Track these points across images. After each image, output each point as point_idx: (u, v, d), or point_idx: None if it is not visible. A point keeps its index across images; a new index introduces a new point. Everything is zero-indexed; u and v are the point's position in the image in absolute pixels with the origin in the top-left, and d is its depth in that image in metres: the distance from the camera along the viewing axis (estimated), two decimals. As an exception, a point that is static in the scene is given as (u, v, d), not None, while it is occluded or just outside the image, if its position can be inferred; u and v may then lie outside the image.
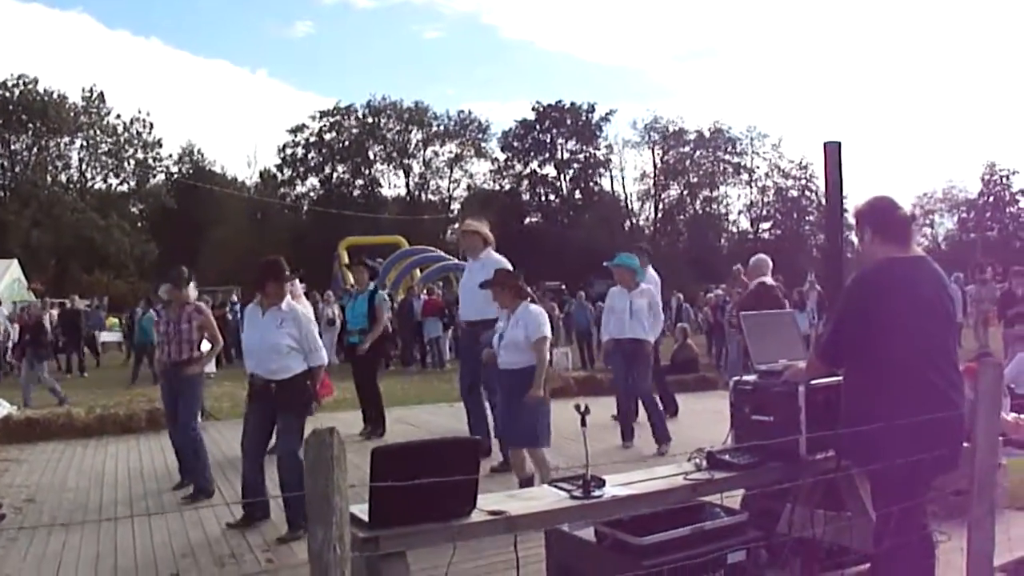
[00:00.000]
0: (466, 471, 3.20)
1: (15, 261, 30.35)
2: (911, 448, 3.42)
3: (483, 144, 63.10)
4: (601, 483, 3.65)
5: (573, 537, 3.75)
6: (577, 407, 3.70)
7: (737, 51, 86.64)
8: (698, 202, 61.39)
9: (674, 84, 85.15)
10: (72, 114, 52.68)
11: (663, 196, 61.58)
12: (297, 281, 11.88)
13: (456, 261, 29.08)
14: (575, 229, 54.75)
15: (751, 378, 4.35)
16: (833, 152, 5.44)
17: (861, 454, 3.66)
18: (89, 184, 55.20)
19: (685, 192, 60.91)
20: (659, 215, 61.82)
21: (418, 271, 29.89)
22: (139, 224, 56.33)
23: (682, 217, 61.66)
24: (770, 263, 9.83)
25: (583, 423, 3.65)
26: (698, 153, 60.02)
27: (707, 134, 59.23)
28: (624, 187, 62.57)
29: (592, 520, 3.70)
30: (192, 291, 7.54)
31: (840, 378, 3.90)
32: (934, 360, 3.60)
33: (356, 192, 60.95)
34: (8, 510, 6.78)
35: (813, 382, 4.03)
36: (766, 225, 60.69)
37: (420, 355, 20.62)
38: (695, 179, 60.32)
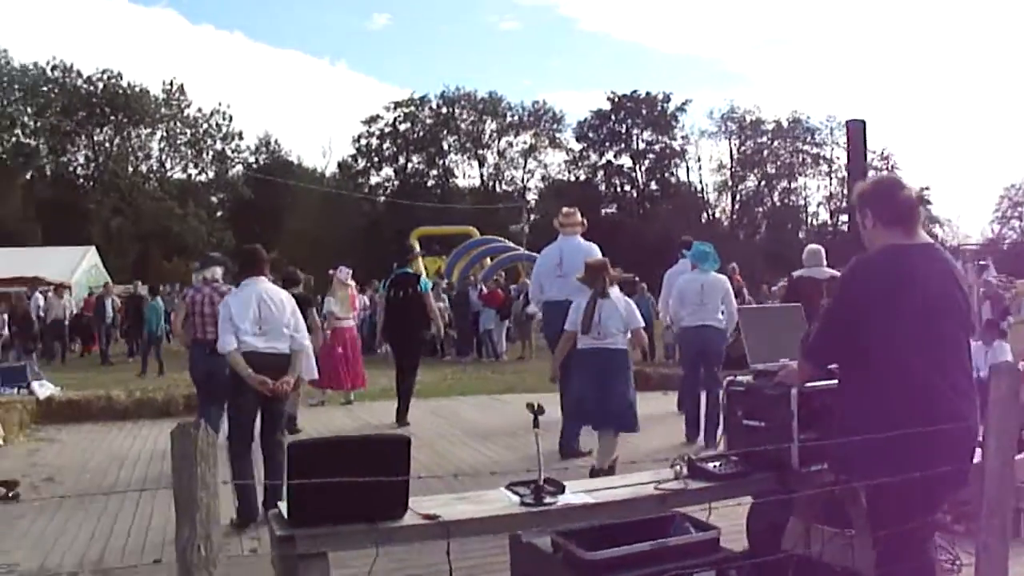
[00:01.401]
0: (394, 471, 2.96)
1: (93, 248, 30.98)
2: (909, 464, 2.97)
3: (557, 134, 62.58)
4: (559, 489, 3.34)
5: (532, 546, 3.44)
6: (529, 405, 3.39)
7: (815, 38, 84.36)
8: (776, 194, 59.90)
9: (751, 73, 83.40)
10: (153, 106, 53.64)
11: (740, 187, 60.31)
12: (343, 268, 11.96)
13: (525, 251, 28.93)
14: (651, 220, 53.89)
15: (745, 378, 3.96)
16: (856, 132, 5.02)
17: (851, 468, 3.23)
18: (168, 174, 56.18)
19: (762, 183, 59.49)
20: (736, 207, 60.55)
21: (489, 260, 29.83)
22: (219, 213, 57.26)
23: (760, 209, 60.27)
24: (821, 255, 9.13)
25: (535, 424, 3.34)
26: (776, 143, 58.48)
27: (785, 124, 57.63)
28: (701, 178, 61.47)
29: (550, 529, 3.38)
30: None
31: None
32: (940, 363, 3.11)
33: (430, 182, 60.96)
34: (25, 489, 6.80)
35: (809, 385, 3.61)
36: (845, 217, 58.78)
37: (476, 346, 20.42)
38: (773, 170, 58.83)
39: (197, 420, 5.59)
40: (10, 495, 6.57)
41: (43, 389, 10.65)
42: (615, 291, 6.73)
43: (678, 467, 3.65)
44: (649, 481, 3.51)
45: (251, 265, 6.27)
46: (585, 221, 8.38)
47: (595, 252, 7.84)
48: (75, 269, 26.89)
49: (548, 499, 3.23)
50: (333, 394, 11.52)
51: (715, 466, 3.62)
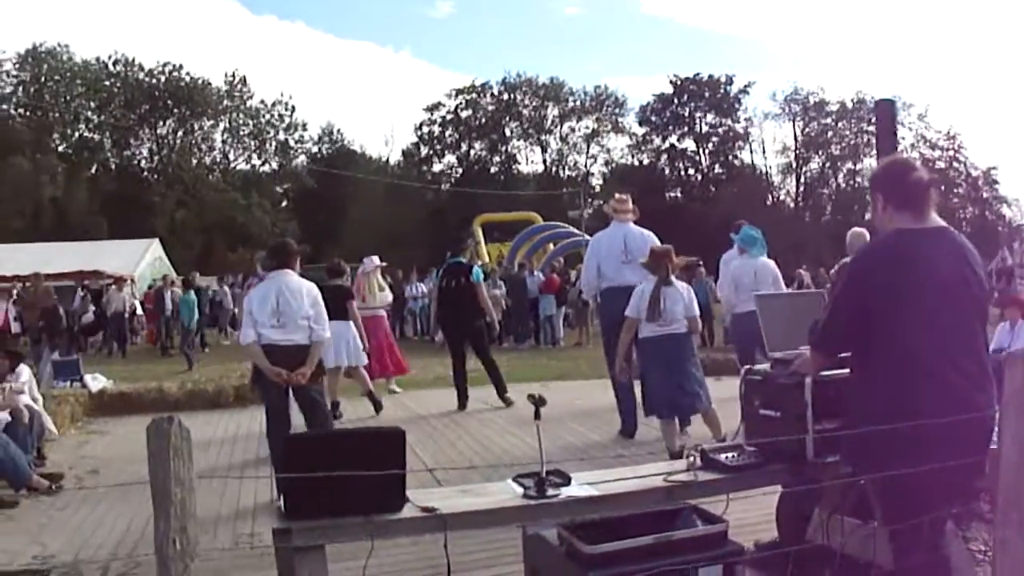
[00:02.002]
0: (390, 464, 2.97)
1: (156, 241, 31.56)
2: (919, 456, 2.86)
3: (620, 119, 62.26)
4: (564, 481, 3.29)
5: (541, 538, 3.39)
6: (531, 397, 3.34)
7: (879, 17, 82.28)
8: (841, 175, 58.64)
9: (814, 54, 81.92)
10: (215, 98, 54.48)
11: (804, 170, 59.19)
12: (375, 259, 11.98)
13: (588, 237, 28.84)
14: (715, 204, 53.12)
15: (763, 367, 3.87)
16: (885, 111, 4.85)
17: (861, 460, 3.13)
18: (232, 165, 57.15)
19: (827, 165, 58.27)
20: (801, 189, 59.43)
21: (551, 245, 29.79)
22: (283, 203, 58.07)
23: (825, 191, 59.10)
24: (866, 238, 8.88)
25: (537, 415, 3.29)
26: (840, 124, 57.21)
27: (850, 104, 56.29)
28: (765, 161, 60.44)
29: (557, 522, 3.33)
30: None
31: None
32: (951, 351, 2.99)
33: (493, 169, 60.98)
34: (71, 481, 6.95)
35: (825, 374, 3.49)
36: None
37: (535, 332, 20.40)
38: (837, 151, 57.58)
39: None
40: (53, 487, 6.70)
41: (96, 382, 10.87)
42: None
43: (692, 458, 3.58)
44: (659, 473, 3.44)
45: (278, 258, 6.47)
46: (636, 208, 8.35)
47: (654, 239, 7.86)
48: (139, 262, 27.41)
49: (551, 491, 3.19)
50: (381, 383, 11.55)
51: (728, 457, 3.53)
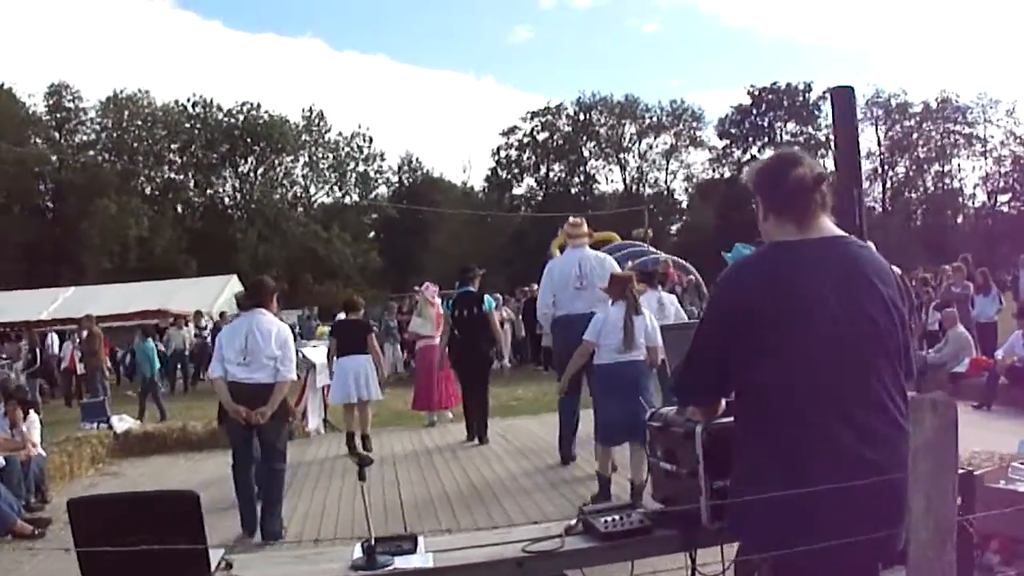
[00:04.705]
0: (184, 530, 2.68)
1: (234, 277, 32.04)
2: (809, 533, 2.24)
3: (698, 133, 61.28)
4: (407, 549, 2.95)
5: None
6: (354, 455, 3.07)
7: (959, 13, 79.06)
8: (928, 178, 56.42)
9: (895, 56, 79.25)
10: (294, 134, 55.40)
11: (890, 174, 57.20)
12: (429, 286, 11.88)
13: (664, 255, 28.31)
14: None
15: (667, 411, 3.41)
16: (842, 99, 4.37)
17: (749, 536, 2.54)
18: (314, 199, 58.00)
19: (912, 168, 56.19)
20: (887, 194, 57.40)
21: (629, 264, 29.36)
22: (371, 235, 58.70)
23: (913, 195, 56.98)
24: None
25: (361, 476, 2.98)
26: (925, 125, 55.13)
27: (934, 105, 54.27)
28: (849, 168, 58.55)
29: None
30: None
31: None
32: (843, 401, 2.33)
33: (574, 190, 60.66)
34: (59, 525, 6.90)
35: (723, 421, 2.79)
36: (1004, 198, 54.74)
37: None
38: (923, 154, 55.46)
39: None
40: (36, 533, 6.71)
41: (122, 424, 10.93)
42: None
43: (576, 520, 3.17)
44: (522, 539, 3.03)
45: (254, 297, 6.60)
46: (592, 232, 8.32)
47: (613, 263, 7.80)
48: (217, 298, 27.84)
49: (383, 560, 2.85)
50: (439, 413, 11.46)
51: (607, 521, 3.08)
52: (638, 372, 6.40)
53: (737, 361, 2.43)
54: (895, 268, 6.99)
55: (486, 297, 10.02)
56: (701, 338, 2.58)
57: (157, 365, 15.69)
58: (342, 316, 10.45)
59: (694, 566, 3.07)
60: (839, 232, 2.52)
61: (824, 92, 55.90)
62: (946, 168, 55.78)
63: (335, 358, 9.78)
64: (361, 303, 10.40)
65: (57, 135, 51.50)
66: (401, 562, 2.88)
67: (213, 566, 2.80)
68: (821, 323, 2.34)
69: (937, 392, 2.34)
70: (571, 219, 8.44)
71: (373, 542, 2.87)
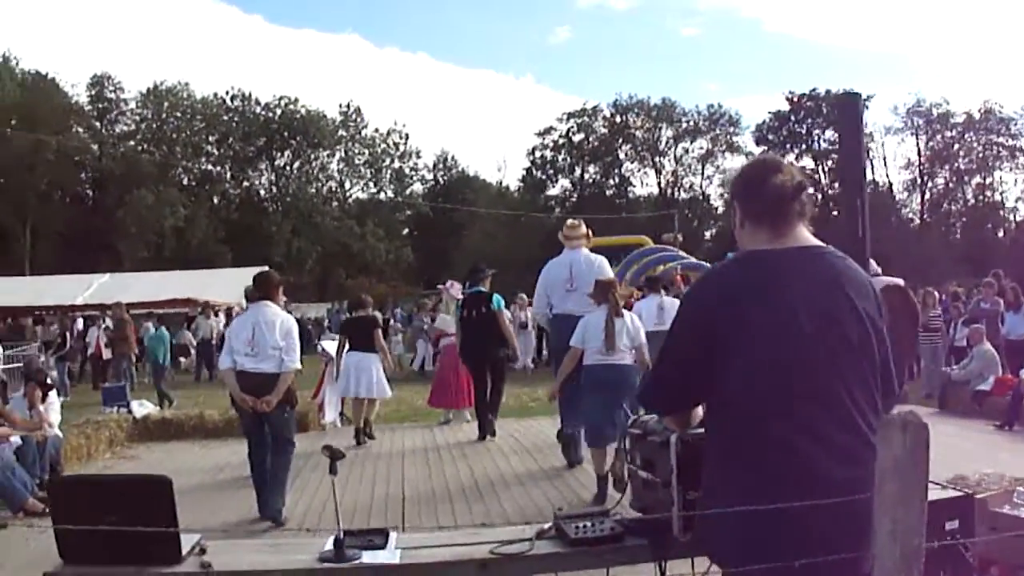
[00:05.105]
0: (158, 513, 2.75)
1: (266, 269, 32.24)
2: (768, 551, 2.21)
3: (735, 138, 60.93)
4: (377, 544, 2.98)
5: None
6: (325, 448, 3.10)
7: (1003, 21, 77.85)
8: (969, 190, 55.57)
9: (937, 64, 78.52)
10: (330, 129, 55.93)
11: (929, 185, 56.38)
12: (454, 284, 11.96)
13: (695, 260, 28.21)
14: (835, 223, 51.21)
15: (648, 419, 3.40)
16: (848, 108, 4.34)
17: (709, 548, 2.53)
18: (348, 194, 58.50)
19: (953, 180, 55.35)
20: (926, 206, 56.62)
21: (661, 267, 29.32)
22: (404, 232, 59.07)
23: (953, 207, 56.14)
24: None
25: (332, 470, 3.02)
26: (967, 136, 54.19)
27: (976, 115, 53.20)
28: (888, 177, 57.86)
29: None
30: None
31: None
32: (811, 418, 2.26)
33: (609, 192, 60.51)
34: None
35: (696, 432, 2.73)
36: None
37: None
38: (963, 165, 54.55)
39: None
40: (46, 511, 6.81)
41: (141, 409, 11.12)
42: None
43: (550, 524, 3.17)
44: (494, 541, 3.04)
45: (260, 290, 6.82)
46: (590, 233, 8.41)
47: (605, 265, 7.96)
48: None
49: (351, 554, 2.89)
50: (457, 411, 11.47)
51: (580, 527, 3.07)
52: (621, 376, 6.57)
53: (701, 373, 2.38)
54: (899, 281, 6.86)
55: (495, 296, 10.05)
56: (667, 347, 2.52)
57: (168, 354, 16.12)
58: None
59: (663, 576, 3.05)
60: (815, 242, 2.46)
61: (864, 100, 55.35)
62: (987, 180, 54.91)
63: (344, 353, 10.03)
64: (369, 301, 10.58)
65: (98, 125, 52.35)
66: (369, 557, 2.91)
67: (186, 550, 2.87)
68: (789, 336, 2.28)
69: (909, 411, 2.25)
70: (569, 221, 8.59)
71: (342, 535, 2.89)
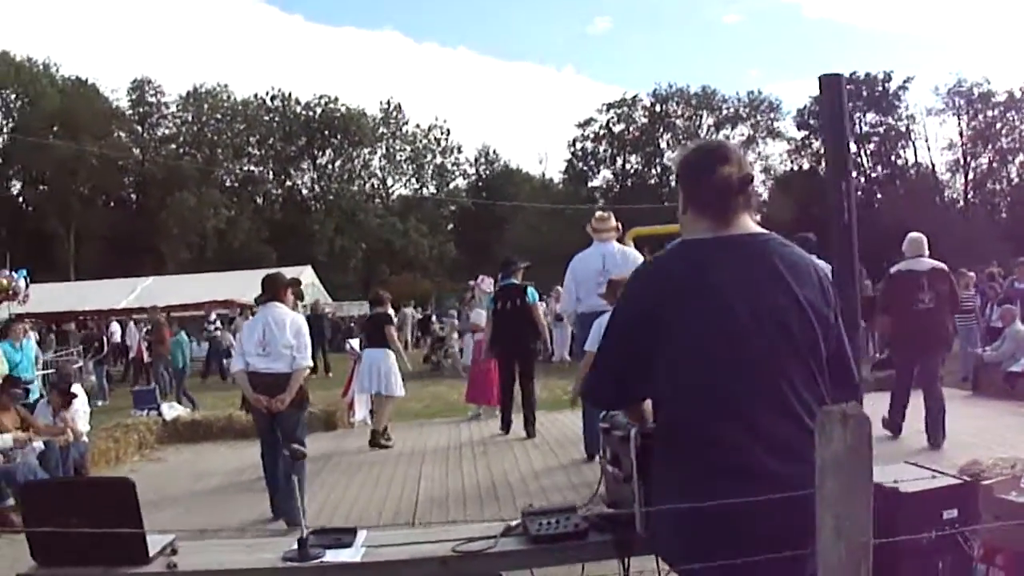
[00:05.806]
0: (122, 514, 2.82)
1: (308, 267, 32.49)
2: (708, 550, 2.18)
3: (775, 124, 60.33)
4: (343, 543, 3.04)
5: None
6: (292, 450, 3.15)
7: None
8: (1012, 169, 54.27)
9: (977, 44, 76.85)
10: (371, 126, 56.33)
11: (972, 165, 55.19)
12: (485, 279, 12.02)
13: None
14: (879, 206, 50.34)
15: (616, 413, 3.39)
16: (832, 88, 4.26)
17: (655, 544, 2.56)
18: (391, 190, 58.83)
19: (996, 160, 54.07)
20: (969, 186, 55.45)
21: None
22: (449, 227, 59.25)
23: (997, 187, 54.90)
24: (922, 244, 8.14)
25: (295, 455, 3.08)
26: (1009, 115, 52.82)
27: (1018, 94, 51.52)
28: (930, 158, 56.74)
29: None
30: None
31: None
32: (743, 407, 2.23)
33: (651, 181, 60.07)
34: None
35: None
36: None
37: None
38: (1006, 144, 53.26)
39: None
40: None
41: (171, 411, 11.31)
42: None
43: (516, 522, 3.20)
44: (457, 539, 3.07)
45: (269, 291, 6.87)
46: (619, 225, 8.21)
47: (638, 258, 7.57)
48: (292, 288, 28.18)
49: (315, 552, 2.95)
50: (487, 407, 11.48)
51: (543, 523, 3.09)
52: None
53: (639, 367, 2.37)
54: (942, 265, 6.88)
55: (529, 289, 10.00)
56: (604, 342, 2.51)
57: (189, 358, 16.39)
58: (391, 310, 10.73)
59: (627, 573, 3.06)
60: (758, 230, 2.42)
61: (904, 82, 54.43)
62: (1031, 159, 53.57)
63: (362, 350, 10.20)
64: (387, 297, 10.58)
65: (140, 129, 53.27)
66: (332, 555, 2.97)
67: (156, 550, 2.95)
68: (724, 327, 2.25)
69: (852, 404, 2.21)
70: (597, 213, 8.43)
71: (306, 535, 2.95)
